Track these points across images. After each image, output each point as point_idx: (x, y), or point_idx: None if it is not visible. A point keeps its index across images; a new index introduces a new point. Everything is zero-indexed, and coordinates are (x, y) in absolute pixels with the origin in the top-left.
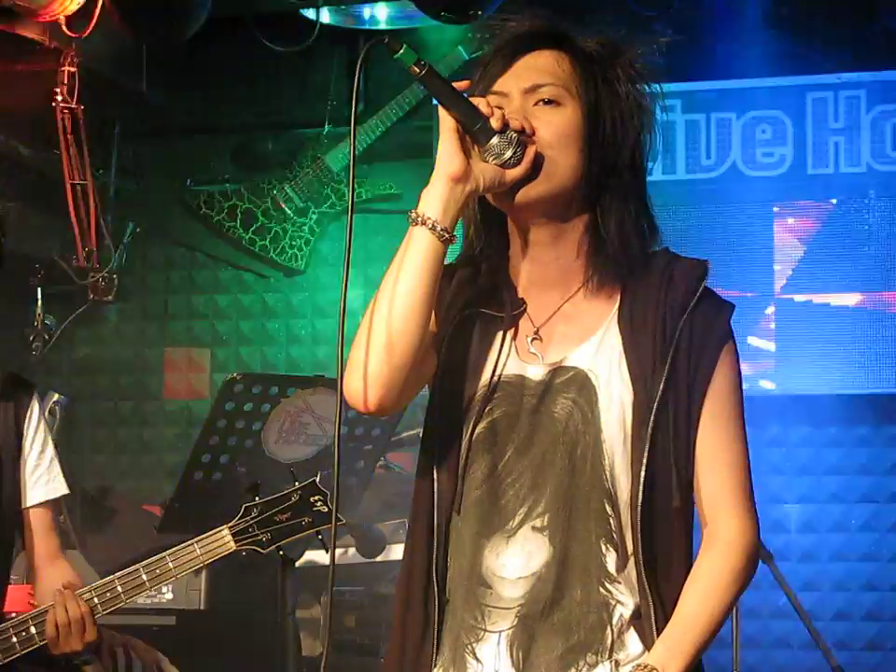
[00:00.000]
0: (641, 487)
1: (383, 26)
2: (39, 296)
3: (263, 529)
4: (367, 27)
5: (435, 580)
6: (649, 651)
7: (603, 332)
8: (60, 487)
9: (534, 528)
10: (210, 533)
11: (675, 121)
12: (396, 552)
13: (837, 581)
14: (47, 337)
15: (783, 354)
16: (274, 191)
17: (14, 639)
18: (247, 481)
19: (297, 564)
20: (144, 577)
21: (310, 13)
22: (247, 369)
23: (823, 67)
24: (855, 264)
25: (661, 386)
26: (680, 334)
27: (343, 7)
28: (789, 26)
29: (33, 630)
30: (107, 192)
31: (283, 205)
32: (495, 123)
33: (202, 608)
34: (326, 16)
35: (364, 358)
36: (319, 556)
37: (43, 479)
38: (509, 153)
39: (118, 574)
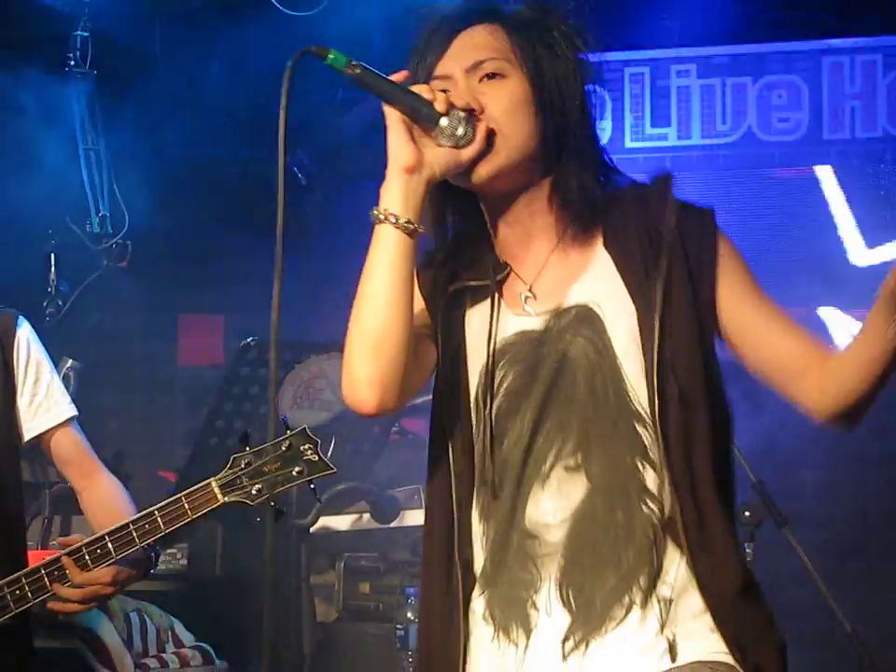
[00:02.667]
0: (657, 396)
1: None
2: (53, 262)
3: (253, 480)
4: None
5: (458, 563)
6: (683, 556)
7: (594, 265)
8: (65, 411)
9: (567, 468)
10: (197, 486)
11: (691, 86)
12: (410, 517)
13: (854, 545)
14: (60, 303)
15: None
16: (287, 157)
17: (9, 598)
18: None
19: (311, 530)
20: (134, 533)
21: None
22: (261, 335)
23: (838, 31)
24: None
25: (659, 295)
26: (668, 241)
27: None
28: None
29: (27, 588)
30: (122, 158)
31: (299, 175)
32: (440, 106)
33: (217, 573)
34: None
35: (356, 362)
36: (333, 522)
37: (43, 407)
38: (461, 130)
39: (107, 531)
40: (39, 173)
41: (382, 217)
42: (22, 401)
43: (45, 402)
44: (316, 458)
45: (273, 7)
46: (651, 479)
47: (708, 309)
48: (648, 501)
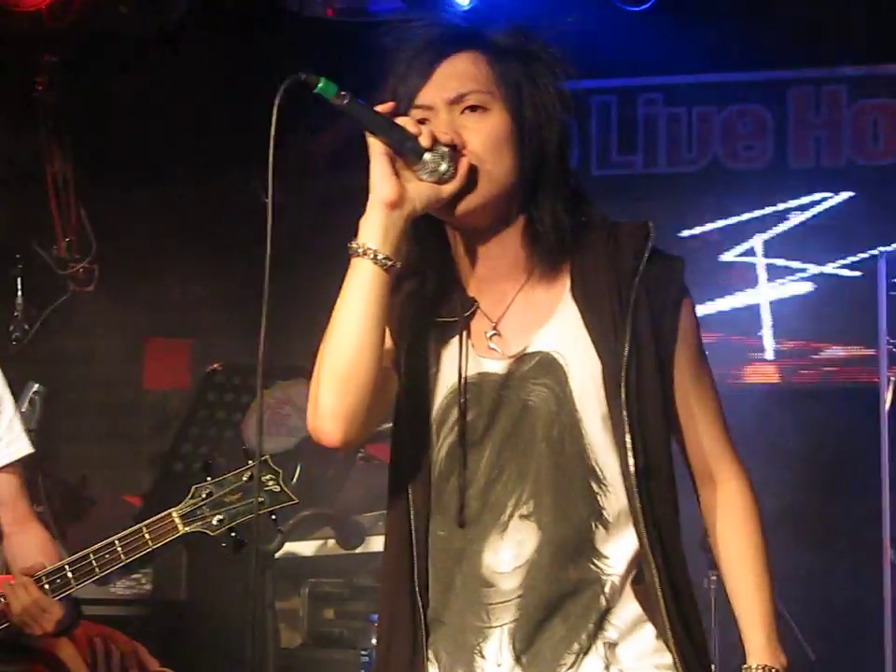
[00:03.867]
0: (631, 455)
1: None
2: (19, 286)
3: (214, 511)
4: (355, 19)
5: (419, 596)
6: (647, 613)
7: (560, 310)
8: (22, 447)
9: (521, 517)
10: (158, 517)
11: (657, 114)
12: (375, 543)
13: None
14: (27, 327)
15: None
16: (252, 184)
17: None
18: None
19: (276, 556)
20: (94, 563)
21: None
22: (228, 359)
23: (805, 62)
24: None
25: (626, 351)
26: (637, 297)
27: None
28: (772, 20)
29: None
30: (89, 182)
31: (265, 200)
32: (424, 141)
33: (182, 598)
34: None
35: (323, 395)
36: (298, 548)
37: (4, 442)
38: (443, 166)
39: (67, 560)
40: (6, 197)
41: (360, 251)
42: None
43: (5, 437)
44: (278, 489)
45: (252, 28)
46: (600, 537)
47: (668, 368)
48: (596, 560)
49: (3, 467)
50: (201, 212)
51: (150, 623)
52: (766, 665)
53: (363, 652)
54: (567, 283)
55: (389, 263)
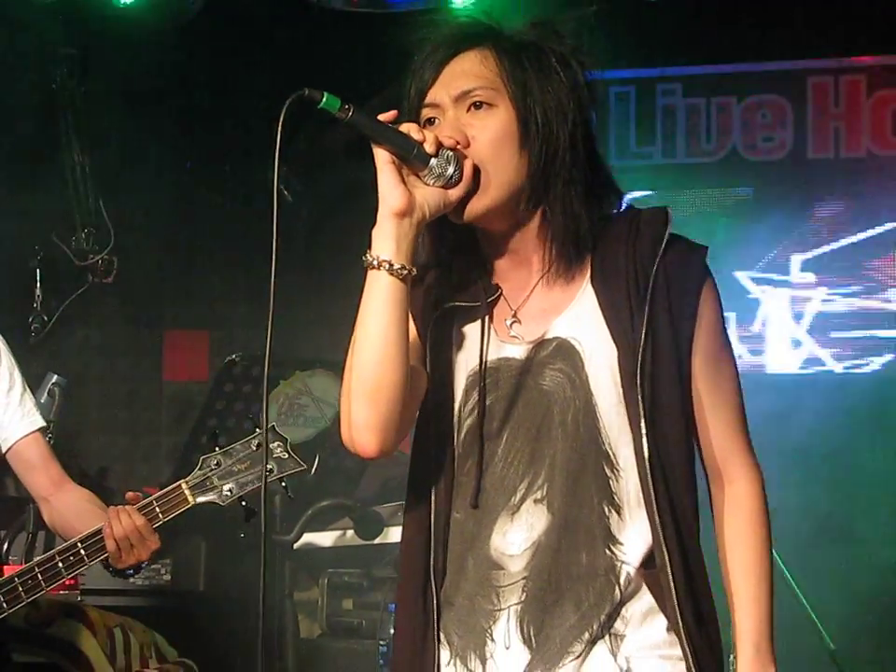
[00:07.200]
0: (646, 440)
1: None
2: (38, 278)
3: (223, 481)
4: (372, 9)
5: (433, 580)
6: (659, 603)
7: (579, 298)
8: (36, 420)
9: (535, 501)
10: (168, 489)
11: (676, 105)
12: (393, 534)
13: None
14: (46, 318)
15: None
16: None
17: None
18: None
19: (295, 546)
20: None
21: None
22: (245, 350)
23: (823, 52)
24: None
25: (642, 337)
26: (655, 282)
27: None
28: (790, 9)
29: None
30: (108, 174)
31: (285, 192)
32: (429, 147)
33: (200, 589)
34: None
35: (355, 409)
36: (317, 538)
37: (17, 415)
38: (450, 170)
39: (79, 538)
40: (25, 189)
41: (375, 263)
42: None
43: (18, 411)
44: (286, 456)
45: (262, 25)
46: (615, 522)
47: (685, 357)
48: (612, 546)
49: (25, 435)
50: (219, 204)
51: (169, 613)
52: None
53: (381, 642)
54: (588, 272)
55: (405, 272)
